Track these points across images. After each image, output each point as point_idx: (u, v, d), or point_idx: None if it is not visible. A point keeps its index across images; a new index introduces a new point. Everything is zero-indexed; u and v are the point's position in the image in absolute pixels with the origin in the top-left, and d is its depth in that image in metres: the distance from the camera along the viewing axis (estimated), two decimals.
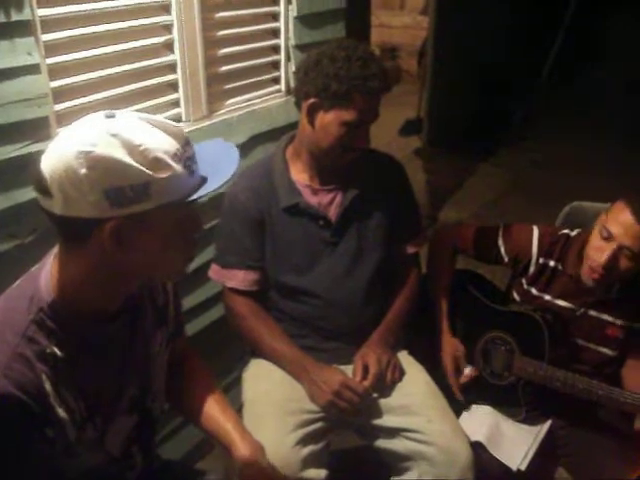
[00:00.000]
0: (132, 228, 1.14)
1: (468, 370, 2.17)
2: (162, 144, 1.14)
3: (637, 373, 2.05)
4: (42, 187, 1.11)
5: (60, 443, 1.26)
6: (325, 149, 1.91)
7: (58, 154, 1.10)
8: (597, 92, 6.58)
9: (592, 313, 2.07)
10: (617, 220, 1.88)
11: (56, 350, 1.21)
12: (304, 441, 1.87)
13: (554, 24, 7.24)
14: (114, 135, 1.10)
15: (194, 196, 1.19)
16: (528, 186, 5.45)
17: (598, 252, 1.92)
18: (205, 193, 1.20)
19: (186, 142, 1.19)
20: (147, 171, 1.10)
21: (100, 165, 1.08)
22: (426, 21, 6.89)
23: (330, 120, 1.87)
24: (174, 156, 1.14)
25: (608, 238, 1.89)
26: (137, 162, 1.09)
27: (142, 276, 1.31)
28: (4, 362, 1.16)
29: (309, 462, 1.84)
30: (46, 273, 1.24)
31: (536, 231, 2.17)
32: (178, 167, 1.14)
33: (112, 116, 1.15)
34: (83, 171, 1.07)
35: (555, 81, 7.35)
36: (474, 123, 6.07)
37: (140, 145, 1.11)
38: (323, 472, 1.88)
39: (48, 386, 1.21)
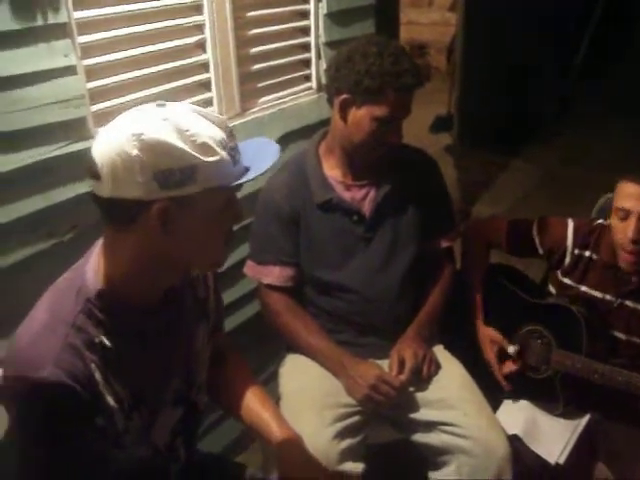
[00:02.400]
0: (177, 211, 1.17)
1: (512, 349, 2.15)
2: (209, 131, 1.19)
3: None
4: (92, 171, 1.16)
5: (110, 432, 1.29)
6: (358, 144, 1.93)
7: (110, 138, 1.15)
8: (629, 89, 6.55)
9: (629, 304, 2.07)
10: (625, 195, 1.95)
11: (104, 340, 1.25)
12: (342, 434, 1.88)
13: (585, 20, 7.21)
14: (165, 120, 1.15)
15: (237, 182, 1.23)
16: (559, 182, 5.46)
17: (623, 232, 1.95)
18: (247, 180, 1.24)
19: (230, 132, 1.24)
20: (195, 154, 1.15)
21: (151, 147, 1.13)
22: (454, 18, 6.94)
23: (362, 116, 1.88)
24: (220, 143, 1.19)
25: (625, 215, 1.94)
26: (186, 146, 1.14)
27: (183, 263, 1.34)
28: (55, 352, 1.19)
29: (347, 455, 1.86)
30: (92, 265, 1.27)
31: (571, 223, 2.19)
32: (223, 153, 1.19)
33: (163, 105, 1.20)
34: (135, 152, 1.12)
35: (587, 78, 7.32)
36: (504, 120, 6.07)
37: (189, 130, 1.16)
38: (361, 465, 1.89)
39: (97, 375, 1.24)
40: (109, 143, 1.15)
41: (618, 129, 6.18)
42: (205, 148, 1.17)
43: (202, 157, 1.16)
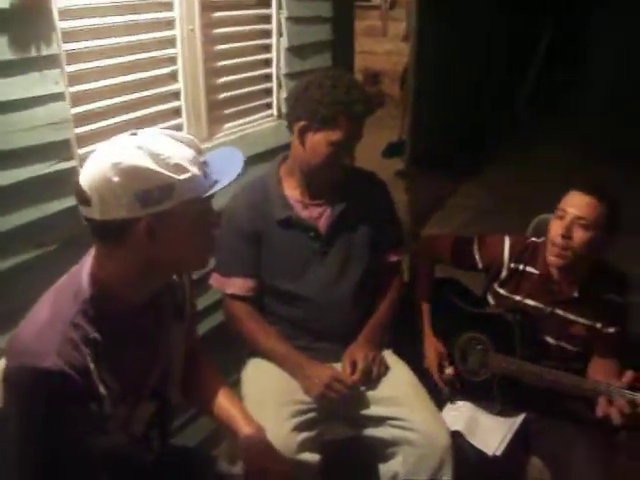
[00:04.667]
0: (162, 224, 1.32)
1: (450, 370, 2.30)
2: (180, 152, 1.33)
3: (598, 368, 2.19)
4: (82, 198, 1.31)
5: (98, 418, 1.41)
6: (315, 166, 2.07)
7: (94, 168, 1.30)
8: (583, 108, 6.76)
9: (558, 312, 2.22)
10: (569, 200, 2.12)
11: (97, 336, 1.37)
12: (299, 428, 2.00)
13: (533, 45, 7.44)
14: (140, 147, 1.30)
15: (209, 192, 1.36)
16: (506, 203, 5.57)
17: (556, 228, 2.12)
18: (217, 189, 1.37)
19: (199, 149, 1.39)
20: (170, 174, 1.29)
21: (130, 172, 1.28)
22: (407, 48, 6.85)
23: (319, 140, 2.03)
24: (191, 161, 1.33)
25: (562, 216, 2.10)
26: (161, 167, 1.29)
27: (173, 268, 1.49)
28: (57, 345, 1.31)
29: (304, 446, 1.98)
30: (86, 271, 1.41)
31: (507, 240, 2.34)
32: (195, 170, 1.33)
33: (135, 134, 1.35)
34: (116, 179, 1.27)
35: (538, 100, 7.54)
36: (454, 145, 6.17)
37: (162, 154, 1.30)
38: (317, 456, 2.01)
39: (92, 366, 1.36)
40: (94, 173, 1.30)
41: (566, 151, 6.37)
42: (178, 167, 1.30)
43: (176, 175, 1.30)
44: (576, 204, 2.09)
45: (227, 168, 1.43)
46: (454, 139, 6.21)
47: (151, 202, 1.29)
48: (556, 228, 2.12)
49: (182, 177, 1.31)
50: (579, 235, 2.08)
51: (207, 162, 1.40)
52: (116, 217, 1.30)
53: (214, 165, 1.42)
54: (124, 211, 1.29)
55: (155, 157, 1.29)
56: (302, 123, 2.04)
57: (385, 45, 9.78)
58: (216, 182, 1.39)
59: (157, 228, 1.33)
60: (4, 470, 1.39)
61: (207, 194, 1.37)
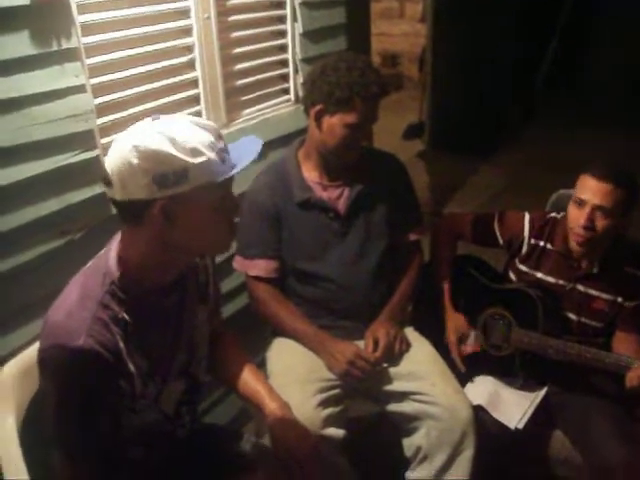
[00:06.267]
0: (177, 207, 1.35)
1: (473, 335, 2.32)
2: (198, 136, 1.35)
3: (621, 343, 2.20)
4: (105, 179, 1.37)
5: (128, 395, 1.47)
6: (332, 149, 2.10)
7: (116, 151, 1.35)
8: (595, 90, 6.72)
9: (580, 288, 2.23)
10: (585, 187, 2.09)
11: (126, 316, 1.43)
12: (324, 404, 2.04)
13: (552, 25, 7.36)
14: (159, 132, 1.33)
15: (223, 177, 1.38)
16: (525, 183, 5.55)
17: (576, 219, 2.10)
18: (230, 175, 1.39)
19: (218, 136, 1.41)
20: (186, 158, 1.32)
21: (148, 155, 1.31)
22: (425, 28, 6.93)
23: (335, 123, 2.06)
24: (208, 146, 1.35)
25: (581, 204, 2.09)
26: (178, 151, 1.32)
27: (191, 250, 1.52)
28: (87, 324, 1.37)
29: (329, 422, 2.02)
30: (113, 254, 1.46)
31: (527, 216, 2.35)
32: (212, 155, 1.35)
33: (157, 118, 1.39)
34: (135, 161, 1.31)
35: (553, 82, 7.49)
36: (473, 126, 6.15)
37: (180, 138, 1.33)
38: (341, 432, 2.05)
39: (121, 344, 1.42)
40: (115, 155, 1.35)
41: (579, 135, 6.34)
42: (194, 151, 1.33)
43: (192, 159, 1.32)
44: (595, 192, 2.06)
45: (245, 155, 1.44)
46: (474, 119, 6.17)
47: (167, 184, 1.32)
48: (576, 217, 2.11)
49: (197, 161, 1.33)
50: (601, 223, 2.07)
51: (227, 148, 1.42)
52: (135, 198, 1.34)
53: (234, 153, 1.44)
54: (142, 192, 1.33)
55: (173, 141, 1.32)
56: (318, 107, 2.08)
57: (402, 26, 9.80)
58: (234, 168, 1.41)
59: (173, 211, 1.36)
60: (44, 449, 1.45)
61: (222, 179, 1.38)
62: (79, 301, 1.41)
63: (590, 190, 2.07)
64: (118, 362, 1.42)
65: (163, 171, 1.32)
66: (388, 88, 2.12)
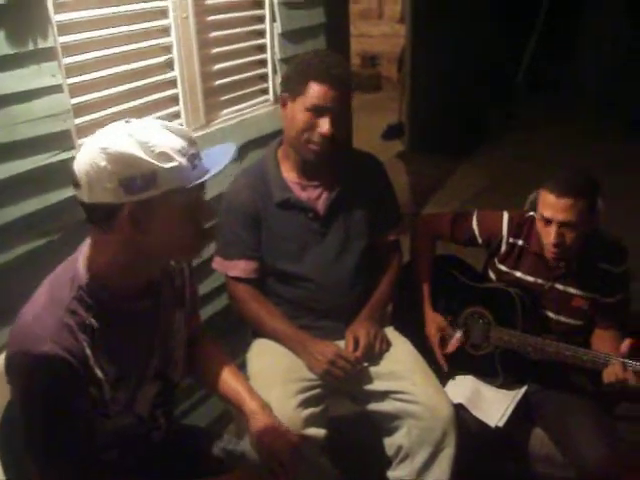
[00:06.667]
0: (145, 212, 1.34)
1: (458, 334, 2.32)
2: (169, 141, 1.34)
3: (599, 340, 2.23)
4: (74, 180, 1.35)
5: (99, 401, 1.45)
6: (295, 136, 2.08)
7: (85, 152, 1.34)
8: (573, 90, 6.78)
9: (558, 287, 2.25)
10: (546, 205, 2.09)
11: (93, 322, 1.41)
12: (304, 404, 2.03)
13: (529, 26, 7.42)
14: (130, 135, 1.32)
15: (193, 183, 1.36)
16: (504, 183, 5.58)
17: (546, 236, 2.12)
18: (201, 181, 1.37)
19: (191, 141, 1.39)
20: (155, 162, 1.30)
21: (116, 158, 1.30)
22: (404, 29, 6.93)
23: (296, 108, 2.05)
24: (179, 151, 1.34)
25: (547, 222, 2.10)
26: (147, 155, 1.30)
27: (160, 256, 1.50)
28: (53, 330, 1.35)
29: (310, 422, 2.01)
30: (82, 258, 1.44)
31: (506, 215, 2.36)
32: (182, 160, 1.34)
33: (129, 121, 1.37)
34: (103, 163, 1.29)
35: (531, 82, 7.55)
36: (452, 127, 6.16)
37: (150, 142, 1.31)
38: (322, 431, 2.04)
39: (88, 351, 1.40)
40: (84, 156, 1.33)
41: (555, 134, 6.42)
42: (164, 156, 1.31)
43: (161, 164, 1.30)
44: (557, 209, 2.06)
45: (218, 161, 1.42)
46: (453, 120, 6.18)
47: (134, 189, 1.30)
48: (547, 234, 2.13)
49: (167, 166, 1.31)
50: (570, 236, 2.09)
51: (199, 155, 1.40)
52: (102, 201, 1.33)
53: (208, 159, 1.42)
54: (109, 196, 1.31)
55: (143, 145, 1.30)
56: (284, 95, 2.10)
57: (381, 27, 9.82)
58: (206, 173, 1.39)
59: (142, 216, 1.34)
60: (21, 457, 1.45)
61: (192, 184, 1.36)
62: (46, 306, 1.39)
63: (552, 208, 2.08)
64: (85, 368, 1.40)
65: (131, 175, 1.30)
66: (348, 76, 2.11)
